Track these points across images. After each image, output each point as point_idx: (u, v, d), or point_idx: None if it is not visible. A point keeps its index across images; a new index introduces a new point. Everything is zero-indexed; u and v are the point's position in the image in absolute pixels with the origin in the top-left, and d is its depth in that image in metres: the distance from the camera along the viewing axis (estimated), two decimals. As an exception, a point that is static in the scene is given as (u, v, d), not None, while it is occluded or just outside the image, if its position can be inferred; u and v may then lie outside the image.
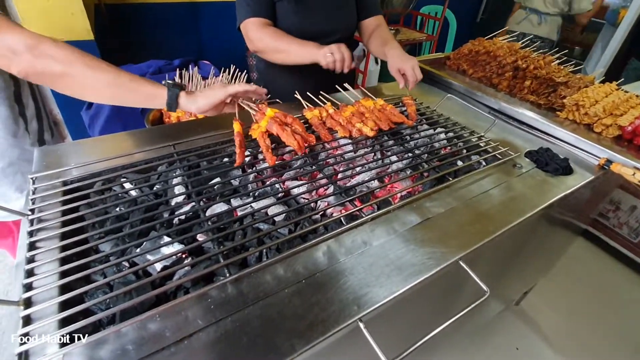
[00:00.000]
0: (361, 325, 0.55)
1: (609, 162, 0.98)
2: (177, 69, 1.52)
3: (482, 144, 1.00)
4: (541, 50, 1.48)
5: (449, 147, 0.98)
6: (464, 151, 0.98)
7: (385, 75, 3.25)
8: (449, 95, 1.16)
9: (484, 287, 0.64)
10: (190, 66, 1.58)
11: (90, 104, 1.52)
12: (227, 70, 1.55)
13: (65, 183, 0.73)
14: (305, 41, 1.12)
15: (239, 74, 1.55)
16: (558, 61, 1.41)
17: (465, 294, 0.87)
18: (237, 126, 0.84)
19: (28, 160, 0.99)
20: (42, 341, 0.47)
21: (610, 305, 1.98)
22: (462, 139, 1.03)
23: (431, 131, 1.05)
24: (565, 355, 1.73)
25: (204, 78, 1.54)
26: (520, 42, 1.50)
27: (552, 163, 0.94)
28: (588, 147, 1.03)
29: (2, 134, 0.91)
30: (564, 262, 2.14)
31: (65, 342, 0.48)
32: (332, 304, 0.57)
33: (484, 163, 0.95)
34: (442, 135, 1.03)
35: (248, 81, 1.56)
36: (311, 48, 1.09)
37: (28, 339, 0.47)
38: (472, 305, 0.62)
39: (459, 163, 0.92)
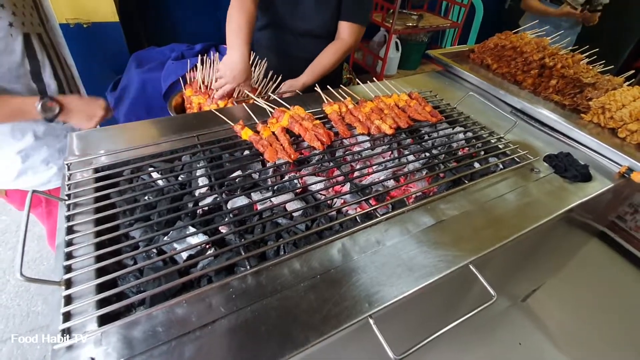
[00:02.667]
0: (371, 321, 0.59)
1: (630, 170, 0.97)
2: (199, 55, 1.54)
3: (501, 146, 1.00)
4: (570, 48, 1.43)
5: (467, 148, 0.98)
6: (482, 153, 0.98)
7: (405, 62, 3.19)
8: (471, 93, 1.15)
9: (492, 292, 0.66)
10: (211, 51, 1.59)
11: (115, 86, 1.56)
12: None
13: (96, 170, 0.77)
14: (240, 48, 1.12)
15: (259, 61, 1.55)
16: (587, 60, 1.37)
17: (473, 294, 0.90)
18: (245, 133, 0.87)
19: (53, 135, 1.04)
20: (83, 319, 0.52)
21: (619, 308, 1.97)
22: (481, 139, 1.02)
23: (450, 130, 1.05)
24: (568, 354, 1.75)
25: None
26: (549, 38, 1.45)
27: (571, 169, 0.94)
28: (610, 153, 1.01)
29: None
30: (576, 262, 2.13)
31: (103, 321, 0.53)
32: (344, 300, 0.60)
33: (501, 166, 0.95)
34: (461, 135, 1.02)
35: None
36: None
37: (70, 317, 0.53)
38: (479, 309, 0.65)
39: (476, 165, 0.93)
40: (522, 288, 1.63)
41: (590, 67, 1.32)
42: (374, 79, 1.25)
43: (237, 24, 1.10)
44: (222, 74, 1.13)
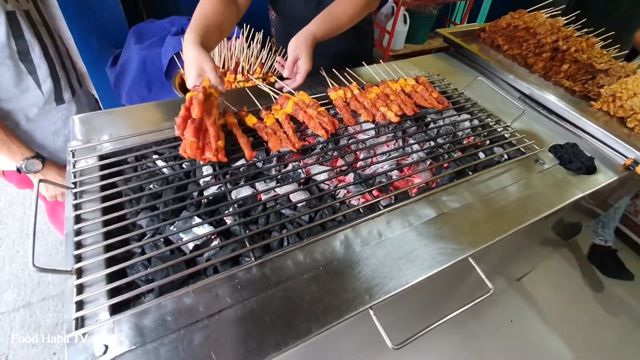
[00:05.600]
0: (371, 312, 0.61)
1: (636, 163, 0.96)
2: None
3: (507, 135, 0.99)
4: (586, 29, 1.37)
5: (472, 137, 0.97)
6: (488, 142, 0.97)
7: (413, 36, 3.07)
8: (480, 78, 1.12)
9: (489, 285, 0.68)
10: (213, 25, 1.52)
11: (115, 61, 1.52)
12: (247, 26, 1.48)
13: (101, 157, 0.77)
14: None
15: (257, 33, 1.49)
16: (602, 43, 1.32)
17: (470, 283, 0.92)
18: (249, 120, 0.86)
19: (46, 118, 1.03)
20: (96, 308, 0.54)
21: (610, 290, 2.03)
22: (487, 128, 1.01)
23: (456, 117, 1.03)
24: (556, 331, 1.83)
25: (228, 38, 1.50)
26: (563, 19, 1.39)
27: (576, 161, 0.93)
28: (616, 144, 1.00)
29: (9, 94, 0.94)
30: (572, 244, 2.17)
31: (114, 310, 0.55)
32: (346, 292, 0.62)
33: (506, 156, 0.94)
34: (467, 124, 1.01)
35: (264, 39, 1.49)
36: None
37: (82, 306, 0.55)
38: (476, 301, 0.67)
39: (481, 155, 0.92)
40: (519, 270, 1.68)
41: (605, 52, 1.28)
42: (380, 60, 1.22)
43: (200, 11, 0.89)
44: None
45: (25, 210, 2.27)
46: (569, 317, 1.91)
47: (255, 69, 1.33)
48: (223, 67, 1.31)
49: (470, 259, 0.71)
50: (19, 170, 0.95)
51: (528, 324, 1.88)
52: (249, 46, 1.41)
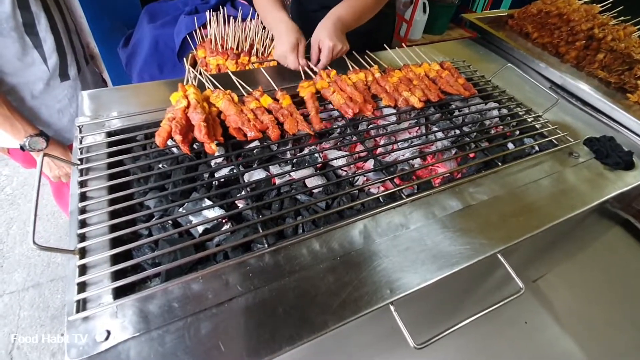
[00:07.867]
0: (392, 308, 0.56)
1: (678, 159, 0.89)
2: (211, 10, 1.43)
3: (538, 126, 0.92)
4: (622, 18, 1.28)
5: (500, 127, 0.91)
6: (517, 132, 0.91)
7: (431, 26, 2.97)
8: (509, 65, 1.05)
9: (520, 284, 0.63)
10: (227, 6, 1.48)
11: (127, 42, 1.49)
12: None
13: (109, 134, 0.74)
14: (278, 19, 0.96)
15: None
16: (639, 33, 1.23)
17: (494, 280, 0.87)
18: (265, 100, 0.81)
19: (51, 95, 1.00)
20: (99, 291, 0.51)
21: (628, 295, 1.95)
22: (517, 117, 0.95)
23: (483, 106, 0.97)
24: (571, 334, 1.76)
25: (243, 19, 1.45)
26: (599, 5, 1.30)
27: (613, 155, 0.86)
28: (657, 139, 0.93)
29: (14, 68, 0.91)
30: (591, 247, 2.08)
31: (118, 293, 0.52)
32: (365, 285, 0.58)
33: (537, 148, 0.88)
34: (495, 112, 0.95)
35: None
36: (276, 31, 0.96)
37: (85, 288, 0.51)
38: (507, 300, 0.62)
39: (510, 146, 0.86)
40: (537, 271, 1.61)
41: (644, 41, 1.19)
42: (403, 44, 1.15)
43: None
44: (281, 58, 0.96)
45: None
46: (584, 320, 1.84)
47: (270, 51, 1.28)
48: (237, 48, 1.26)
49: (499, 256, 0.65)
50: (22, 148, 0.93)
51: (542, 326, 1.82)
52: (264, 28, 1.36)
